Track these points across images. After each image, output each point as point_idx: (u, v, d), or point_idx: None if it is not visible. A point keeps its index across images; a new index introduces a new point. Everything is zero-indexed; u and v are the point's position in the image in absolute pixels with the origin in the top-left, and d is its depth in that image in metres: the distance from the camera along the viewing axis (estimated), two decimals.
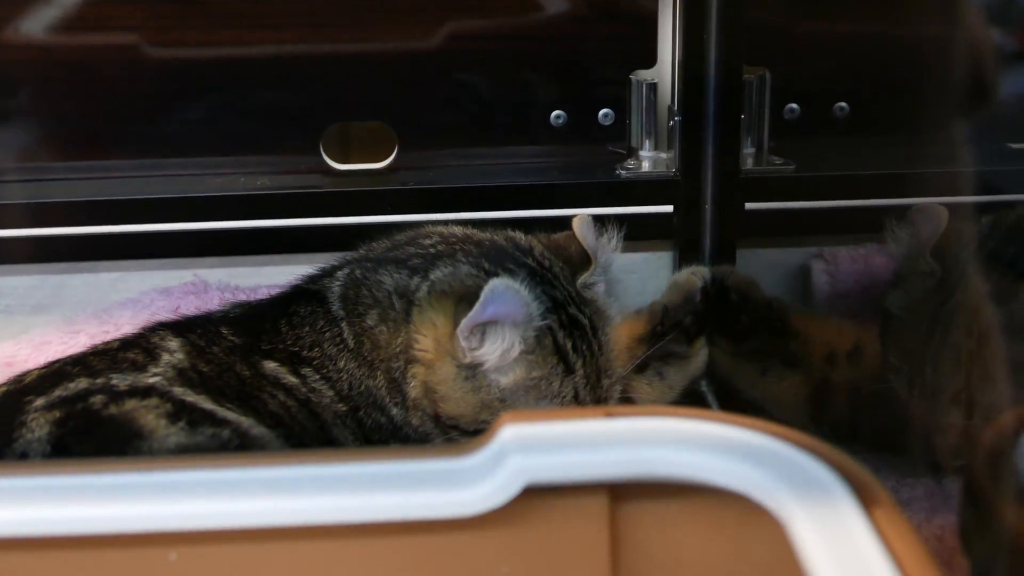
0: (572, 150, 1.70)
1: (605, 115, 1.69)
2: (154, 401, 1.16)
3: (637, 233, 1.51)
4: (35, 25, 1.61)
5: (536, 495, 0.81)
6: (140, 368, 1.22)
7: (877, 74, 1.70)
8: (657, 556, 0.84)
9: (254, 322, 1.34)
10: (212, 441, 1.13)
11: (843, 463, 0.79)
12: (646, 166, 1.68)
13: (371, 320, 1.31)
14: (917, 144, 1.65)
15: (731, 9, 1.58)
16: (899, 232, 1.37)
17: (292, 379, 1.28)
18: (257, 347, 1.30)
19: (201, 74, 1.66)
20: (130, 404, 1.15)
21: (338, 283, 1.35)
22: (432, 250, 1.34)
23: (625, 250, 1.41)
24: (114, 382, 1.19)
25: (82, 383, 1.19)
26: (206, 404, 1.19)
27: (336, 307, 1.33)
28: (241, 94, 1.69)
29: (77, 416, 1.14)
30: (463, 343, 1.24)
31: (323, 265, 1.42)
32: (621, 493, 0.83)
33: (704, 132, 1.62)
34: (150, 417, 1.14)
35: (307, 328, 1.32)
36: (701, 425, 0.83)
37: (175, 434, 1.13)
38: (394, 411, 1.29)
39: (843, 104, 1.70)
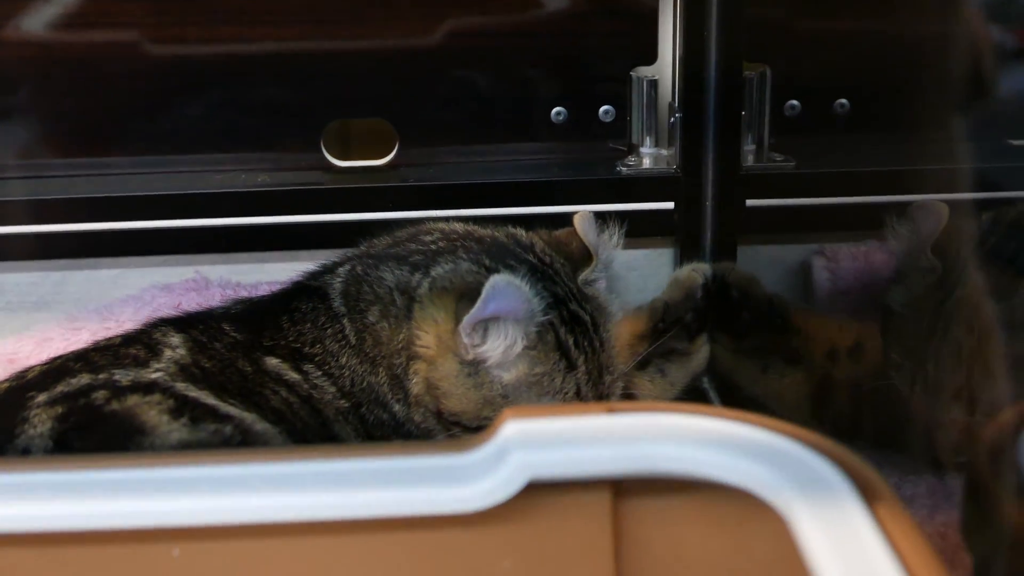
0: (573, 147, 1.70)
1: (606, 112, 1.69)
2: (156, 397, 1.16)
3: (638, 230, 1.51)
4: (36, 22, 1.61)
5: (539, 491, 0.81)
6: (142, 364, 1.22)
7: (878, 71, 1.70)
8: (659, 552, 0.84)
9: (256, 318, 1.34)
10: (214, 437, 1.13)
11: (846, 459, 0.79)
12: (647, 163, 1.68)
13: (373, 316, 1.31)
14: (918, 141, 1.65)
15: (731, 6, 1.58)
16: (900, 229, 1.37)
17: (294, 375, 1.28)
18: (259, 343, 1.30)
19: (202, 71, 1.66)
20: (132, 400, 1.15)
21: (339, 279, 1.35)
22: (433, 247, 1.34)
23: (626, 247, 1.41)
24: (116, 378, 1.19)
25: (84, 379, 1.19)
26: (208, 400, 1.19)
27: (338, 303, 1.33)
28: (242, 91, 1.69)
29: (79, 412, 1.14)
30: (465, 340, 1.24)
31: (324, 261, 1.42)
32: (624, 489, 0.83)
33: (705, 129, 1.62)
34: (152, 413, 1.14)
35: (309, 324, 1.32)
36: (703, 421, 0.83)
37: (177, 430, 1.13)
38: (396, 407, 1.29)
39: (843, 101, 1.70)
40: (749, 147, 1.67)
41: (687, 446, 0.81)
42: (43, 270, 1.63)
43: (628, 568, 0.84)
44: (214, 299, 1.56)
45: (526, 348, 1.24)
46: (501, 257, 1.31)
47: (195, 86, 1.67)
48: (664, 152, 1.68)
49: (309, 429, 1.24)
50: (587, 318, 1.31)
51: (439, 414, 1.26)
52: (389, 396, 1.29)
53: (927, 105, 1.53)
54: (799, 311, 1.55)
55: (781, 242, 1.68)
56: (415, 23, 1.66)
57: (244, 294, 1.55)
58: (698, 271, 1.56)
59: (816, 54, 1.71)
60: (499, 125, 1.72)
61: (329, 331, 1.31)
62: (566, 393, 1.27)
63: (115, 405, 1.15)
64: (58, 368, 1.23)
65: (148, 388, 1.17)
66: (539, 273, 1.30)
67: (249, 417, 1.18)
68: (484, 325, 1.23)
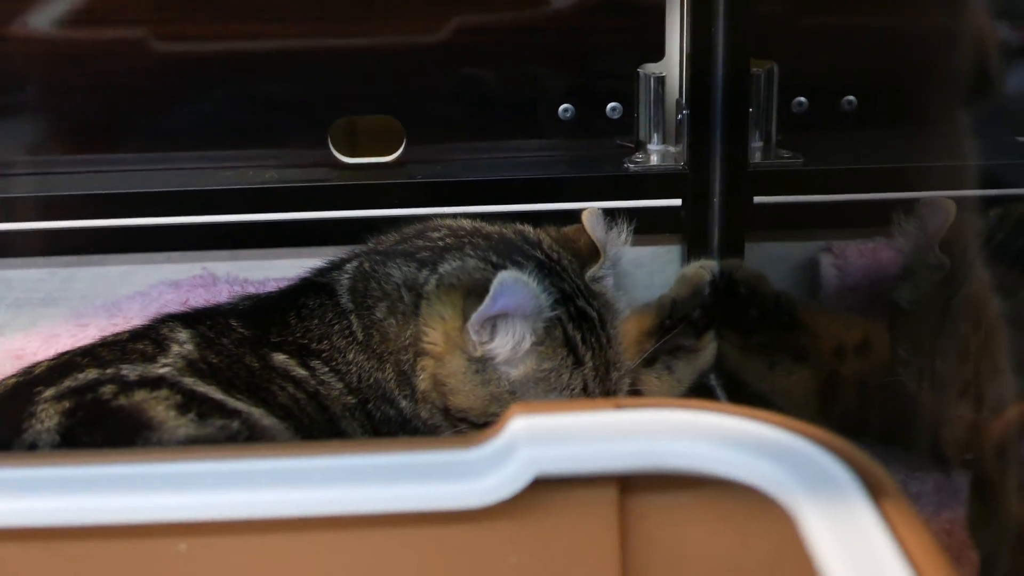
0: (580, 144, 1.70)
1: (613, 109, 1.69)
2: (164, 392, 1.16)
3: (645, 227, 1.50)
4: (42, 19, 1.61)
5: (545, 487, 0.81)
6: (150, 359, 1.22)
7: (885, 67, 1.70)
8: (666, 548, 0.84)
9: (263, 314, 1.34)
10: (221, 433, 1.13)
11: (853, 456, 0.79)
12: (654, 160, 1.68)
13: (380, 313, 1.31)
14: (925, 137, 1.64)
15: (739, 2, 1.58)
16: (907, 225, 1.37)
17: (301, 371, 1.28)
18: (266, 339, 1.30)
19: (208, 67, 1.66)
20: (140, 395, 1.15)
21: (347, 276, 1.35)
22: (441, 243, 1.34)
23: (633, 244, 1.41)
24: (124, 372, 1.19)
25: (92, 373, 1.19)
26: (216, 394, 1.19)
27: (345, 300, 1.33)
28: (249, 87, 1.69)
29: (86, 406, 1.14)
30: (474, 337, 1.24)
31: (332, 258, 1.42)
32: (630, 485, 0.83)
33: (712, 125, 1.61)
34: (160, 408, 1.14)
35: (316, 321, 1.32)
36: (710, 417, 0.83)
37: (185, 425, 1.13)
38: (403, 404, 1.29)
39: (851, 97, 1.70)
40: (756, 144, 1.67)
41: (694, 442, 0.81)
42: (50, 266, 1.63)
43: (634, 564, 0.84)
44: (221, 295, 1.56)
45: (534, 344, 1.24)
46: (508, 254, 1.31)
47: (202, 83, 1.67)
48: (671, 149, 1.68)
49: (316, 425, 1.25)
50: (594, 314, 1.31)
51: (446, 410, 1.26)
52: (396, 392, 1.29)
53: (934, 102, 1.53)
54: (806, 308, 1.55)
55: (788, 239, 1.68)
56: (422, 20, 1.66)
57: (251, 290, 1.55)
58: (705, 268, 1.56)
59: (823, 50, 1.71)
60: (506, 122, 1.72)
61: (336, 327, 1.31)
62: (573, 389, 1.27)
63: (122, 400, 1.15)
64: (65, 363, 1.23)
65: (156, 383, 1.18)
66: (546, 269, 1.30)
67: (257, 412, 1.19)
68: (492, 322, 1.23)
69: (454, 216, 1.43)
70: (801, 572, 0.74)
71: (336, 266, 1.39)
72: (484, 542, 0.83)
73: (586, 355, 1.28)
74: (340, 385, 1.29)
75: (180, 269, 1.64)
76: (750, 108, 1.62)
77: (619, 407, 0.85)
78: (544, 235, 1.38)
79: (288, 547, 0.84)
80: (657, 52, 1.67)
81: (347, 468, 0.82)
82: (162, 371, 1.21)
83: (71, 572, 0.84)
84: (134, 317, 1.51)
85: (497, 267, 1.28)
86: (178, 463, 0.83)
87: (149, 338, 1.27)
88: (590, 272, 1.36)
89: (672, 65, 1.67)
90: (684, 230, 1.65)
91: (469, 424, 1.25)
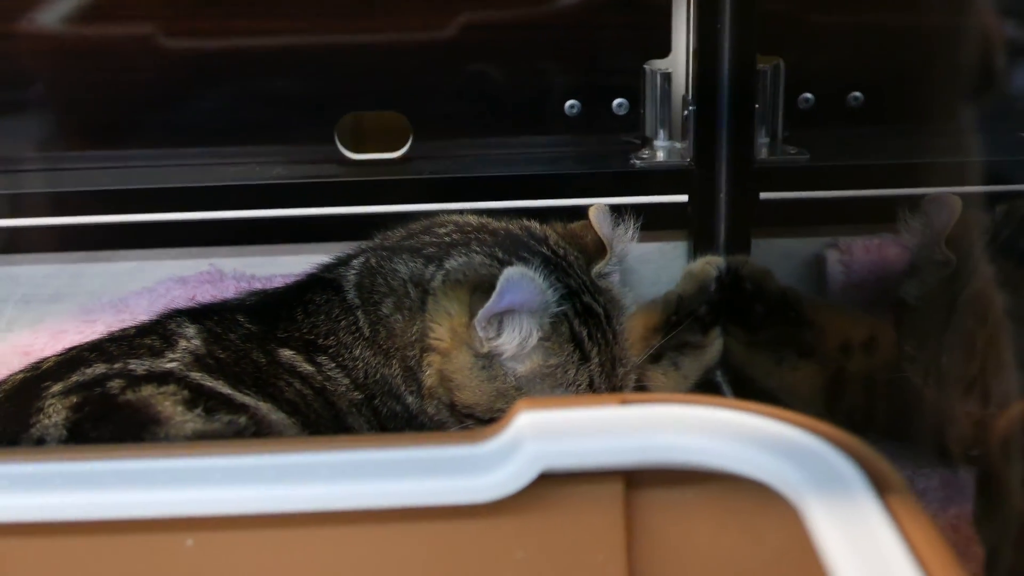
0: (586, 140, 1.70)
1: (619, 105, 1.69)
2: (171, 387, 1.16)
3: (651, 223, 1.51)
4: (50, 16, 1.62)
5: (551, 482, 0.81)
6: (157, 354, 1.22)
7: (891, 63, 1.70)
8: (672, 543, 0.84)
9: (270, 310, 1.34)
10: (229, 428, 1.13)
11: (860, 451, 0.79)
12: (660, 156, 1.68)
13: (386, 309, 1.31)
14: (931, 134, 1.64)
15: None
16: (913, 222, 1.37)
17: (308, 367, 1.28)
18: (273, 335, 1.30)
19: (216, 64, 1.67)
20: (147, 390, 1.16)
21: (353, 272, 1.36)
22: (447, 239, 1.34)
23: (639, 240, 1.41)
24: (131, 367, 1.20)
25: (99, 368, 1.20)
26: (223, 389, 1.19)
27: (352, 295, 1.33)
28: (256, 84, 1.69)
29: (94, 401, 1.15)
30: (480, 333, 1.24)
31: (339, 254, 1.42)
32: (636, 480, 0.83)
33: (718, 122, 1.61)
34: (167, 403, 1.14)
35: (323, 316, 1.32)
36: (716, 412, 0.83)
37: (192, 420, 1.13)
38: (409, 399, 1.29)
39: (857, 93, 1.69)
40: (763, 140, 1.67)
41: (700, 438, 0.81)
42: (58, 263, 1.63)
43: (640, 559, 0.84)
44: (228, 291, 1.56)
45: (540, 340, 1.25)
46: (515, 250, 1.31)
47: (209, 79, 1.67)
48: (678, 145, 1.68)
49: (323, 421, 1.25)
50: (600, 310, 1.31)
51: (452, 406, 1.27)
52: (402, 388, 1.29)
53: (941, 98, 1.53)
54: (813, 304, 1.55)
55: (795, 235, 1.68)
56: (429, 16, 1.66)
57: (258, 286, 1.56)
58: (712, 264, 1.56)
59: (830, 47, 1.71)
60: (512, 118, 1.72)
61: (343, 323, 1.32)
62: (579, 385, 1.27)
63: (130, 395, 1.15)
64: (73, 358, 1.23)
65: (163, 378, 1.18)
66: (552, 265, 1.30)
67: (264, 407, 1.19)
68: (499, 318, 1.23)
69: (460, 212, 1.43)
70: (807, 568, 0.75)
71: (342, 262, 1.39)
72: (490, 537, 0.83)
73: (592, 351, 1.28)
74: (347, 381, 1.29)
75: (187, 265, 1.64)
76: (756, 104, 1.62)
77: (625, 403, 0.85)
78: (550, 231, 1.38)
79: (294, 542, 0.84)
80: (663, 48, 1.67)
81: (354, 463, 0.82)
82: (170, 366, 1.21)
83: (78, 568, 0.84)
84: (142, 313, 1.51)
85: (503, 263, 1.28)
86: (185, 458, 0.83)
87: (156, 333, 1.27)
88: (596, 268, 1.36)
89: (678, 61, 1.67)
90: (690, 226, 1.65)
91: (475, 420, 1.25)
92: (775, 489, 0.79)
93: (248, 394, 1.20)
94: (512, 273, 1.20)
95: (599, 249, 1.37)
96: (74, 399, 1.15)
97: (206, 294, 1.57)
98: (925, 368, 1.33)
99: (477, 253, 1.31)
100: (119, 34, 1.64)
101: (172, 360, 1.22)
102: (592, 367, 1.28)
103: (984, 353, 1.26)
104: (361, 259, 1.37)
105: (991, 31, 1.53)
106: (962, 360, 1.28)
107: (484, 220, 1.39)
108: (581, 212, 1.39)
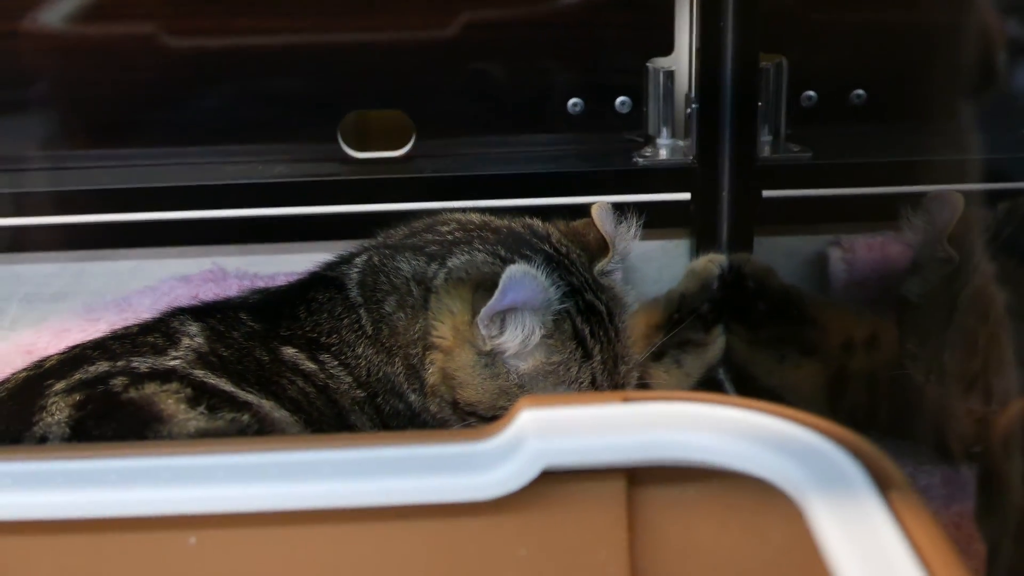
0: (589, 138, 1.70)
1: (622, 103, 1.69)
2: (174, 385, 1.16)
3: (654, 221, 1.50)
4: (53, 15, 1.62)
5: (554, 479, 0.81)
6: (160, 351, 1.22)
7: (894, 61, 1.70)
8: (674, 540, 0.84)
9: (273, 308, 1.34)
10: (231, 426, 1.13)
11: (862, 448, 0.79)
12: (663, 154, 1.68)
13: (389, 307, 1.31)
14: (934, 131, 1.64)
15: None
16: (915, 219, 1.37)
17: (310, 365, 1.28)
18: (276, 333, 1.30)
19: (219, 63, 1.67)
20: (150, 388, 1.16)
21: (356, 270, 1.36)
22: (450, 237, 1.34)
23: (642, 238, 1.41)
24: (134, 365, 1.20)
25: (102, 366, 1.20)
26: (226, 387, 1.19)
27: (354, 294, 1.33)
28: (258, 82, 1.69)
29: (97, 399, 1.15)
30: (483, 331, 1.24)
31: (341, 252, 1.42)
32: (638, 477, 0.83)
33: (721, 120, 1.61)
34: (170, 401, 1.14)
35: (325, 314, 1.32)
36: (718, 410, 0.83)
37: (195, 418, 1.13)
38: (412, 397, 1.29)
39: (860, 91, 1.69)
40: (765, 138, 1.67)
41: (702, 434, 0.81)
42: (61, 261, 1.64)
43: (643, 556, 0.84)
44: (231, 290, 1.56)
45: (543, 338, 1.25)
46: (517, 248, 1.31)
47: (212, 78, 1.67)
48: (680, 143, 1.68)
49: (325, 418, 1.25)
50: (603, 308, 1.31)
51: (455, 404, 1.27)
52: (405, 386, 1.29)
53: (943, 96, 1.53)
54: (815, 302, 1.56)
55: (797, 233, 1.68)
56: (432, 15, 1.66)
57: (261, 285, 1.56)
58: (714, 262, 1.56)
59: (832, 45, 1.71)
60: (515, 116, 1.72)
61: (346, 321, 1.32)
62: (582, 382, 1.27)
63: (133, 393, 1.15)
64: (76, 356, 1.24)
65: (166, 376, 1.18)
66: (555, 263, 1.30)
67: (267, 405, 1.19)
68: (501, 316, 1.23)
69: (463, 210, 1.43)
70: (809, 565, 0.75)
71: (345, 260, 1.39)
72: (493, 534, 0.83)
73: (595, 348, 1.28)
74: (349, 379, 1.29)
75: (190, 264, 1.64)
76: (759, 102, 1.63)
77: (627, 400, 0.85)
78: (553, 229, 1.38)
79: (297, 540, 0.84)
80: (666, 46, 1.67)
81: (356, 461, 0.82)
82: (172, 364, 1.21)
83: (81, 566, 0.85)
84: (144, 312, 1.51)
85: (506, 261, 1.28)
86: (188, 456, 0.83)
87: (160, 331, 1.27)
88: (599, 266, 1.36)
89: (681, 59, 1.67)
90: (693, 224, 1.65)
91: (478, 417, 1.25)
92: (777, 486, 0.79)
93: (251, 392, 1.20)
94: (515, 271, 1.20)
95: (601, 247, 1.37)
96: (77, 397, 1.15)
97: (209, 293, 1.57)
98: (927, 366, 1.33)
99: (480, 251, 1.31)
100: (121, 33, 1.64)
101: (175, 358, 1.22)
102: (594, 365, 1.28)
103: (986, 351, 1.26)
104: (364, 257, 1.37)
105: (993, 29, 1.53)
106: (964, 358, 1.28)
107: (487, 218, 1.39)
108: (584, 210, 1.39)
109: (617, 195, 1.56)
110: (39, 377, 1.20)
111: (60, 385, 1.17)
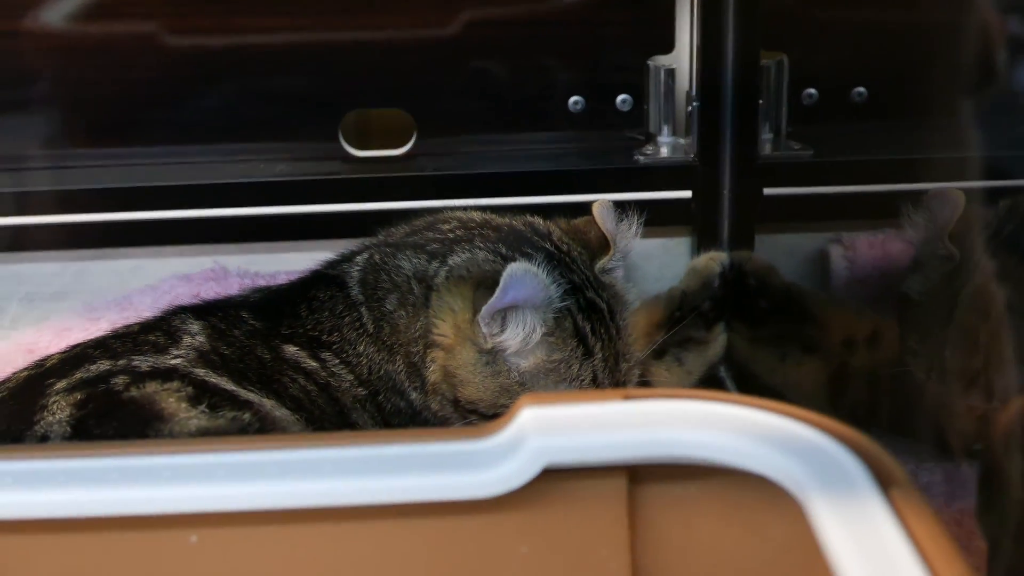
0: (590, 136, 1.70)
1: (623, 101, 1.69)
2: (175, 384, 1.16)
3: (655, 219, 1.50)
4: (54, 14, 1.62)
5: (555, 477, 0.81)
6: (161, 350, 1.22)
7: (895, 59, 1.70)
8: (676, 537, 0.84)
9: (274, 306, 1.34)
10: (233, 424, 1.13)
11: (863, 446, 0.79)
12: (664, 152, 1.68)
13: (390, 305, 1.31)
14: (935, 129, 1.64)
15: None
16: (917, 217, 1.37)
17: (312, 363, 1.28)
18: (277, 331, 1.30)
19: (219, 61, 1.67)
20: (151, 386, 1.16)
21: (357, 268, 1.36)
22: (451, 235, 1.34)
23: (643, 236, 1.41)
24: (135, 364, 1.20)
25: (104, 365, 1.20)
26: (227, 386, 1.19)
27: (355, 292, 1.33)
28: (260, 81, 1.69)
29: (98, 398, 1.15)
30: (484, 329, 1.24)
31: (343, 250, 1.42)
32: (639, 475, 0.83)
33: (722, 118, 1.61)
34: (171, 400, 1.14)
35: (327, 313, 1.32)
36: (719, 407, 0.83)
37: (196, 417, 1.13)
38: (413, 395, 1.29)
39: (861, 89, 1.69)
40: (766, 136, 1.67)
41: (703, 432, 0.81)
42: (62, 260, 1.64)
43: (644, 553, 0.84)
44: (233, 289, 1.56)
45: (544, 335, 1.24)
46: (518, 245, 1.31)
47: (213, 76, 1.67)
48: (681, 141, 1.68)
49: (327, 417, 1.25)
50: (604, 306, 1.31)
51: (456, 402, 1.27)
52: (406, 384, 1.29)
53: (944, 93, 1.53)
54: (816, 299, 1.56)
55: (798, 231, 1.68)
56: (433, 13, 1.66)
57: (263, 283, 1.56)
58: (715, 260, 1.56)
59: (833, 42, 1.71)
60: (516, 114, 1.72)
61: (347, 319, 1.32)
62: (583, 380, 1.27)
63: (134, 392, 1.15)
64: (77, 355, 1.24)
65: (167, 375, 1.18)
66: (556, 261, 1.30)
67: (268, 403, 1.19)
68: (502, 314, 1.23)
69: (464, 208, 1.43)
70: (811, 563, 0.75)
71: (346, 258, 1.39)
72: (494, 532, 0.83)
73: (596, 346, 1.28)
74: (351, 377, 1.29)
75: (191, 263, 1.64)
76: (760, 100, 1.63)
77: (628, 398, 0.85)
78: (554, 227, 1.38)
79: (298, 539, 0.84)
80: (667, 44, 1.67)
81: (358, 459, 0.82)
82: (174, 362, 1.21)
83: (82, 564, 0.85)
84: (146, 311, 1.51)
85: (507, 259, 1.28)
86: (189, 455, 0.83)
87: (161, 329, 1.27)
88: (600, 264, 1.36)
89: (682, 57, 1.67)
90: (694, 222, 1.65)
91: (479, 415, 1.26)
92: (779, 484, 0.79)
93: (252, 390, 1.20)
94: (516, 269, 1.20)
95: (603, 245, 1.37)
96: (78, 396, 1.15)
97: (210, 291, 1.57)
98: (928, 363, 1.33)
99: (481, 249, 1.31)
100: (122, 32, 1.64)
101: (176, 356, 1.22)
102: (595, 362, 1.28)
103: (987, 348, 1.26)
104: (365, 255, 1.37)
105: (993, 27, 1.53)
106: (965, 355, 1.28)
107: (488, 216, 1.39)
108: (585, 208, 1.39)
109: (618, 193, 1.56)
110: (40, 376, 1.20)
111: (61, 384, 1.17)
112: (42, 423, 1.13)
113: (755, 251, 1.62)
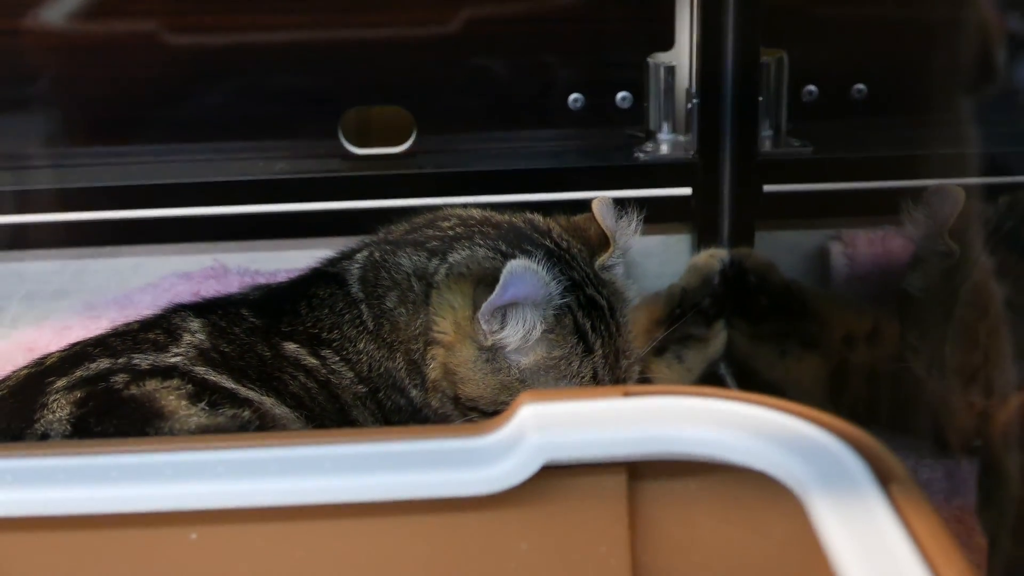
0: (590, 133, 1.70)
1: (623, 98, 1.69)
2: (175, 382, 1.16)
3: (655, 216, 1.50)
4: (55, 12, 1.62)
5: (555, 473, 0.81)
6: (161, 348, 1.22)
7: (895, 56, 1.70)
8: (675, 533, 0.84)
9: (274, 304, 1.34)
10: (233, 422, 1.13)
11: (863, 442, 0.79)
12: (664, 149, 1.68)
13: (390, 302, 1.31)
14: (935, 125, 1.64)
15: None
16: (916, 213, 1.37)
17: (312, 361, 1.28)
18: (277, 329, 1.30)
19: (220, 59, 1.67)
20: (151, 384, 1.16)
21: (357, 265, 1.36)
22: (451, 232, 1.34)
23: (643, 233, 1.41)
24: (135, 362, 1.20)
25: (103, 363, 1.19)
26: (227, 384, 1.19)
27: (355, 289, 1.33)
28: (260, 79, 1.69)
29: (98, 396, 1.14)
30: (484, 326, 1.24)
31: (342, 248, 1.42)
32: (639, 471, 0.83)
33: (722, 115, 1.62)
34: (171, 398, 1.14)
35: (327, 310, 1.32)
36: (720, 404, 0.83)
37: (196, 415, 1.13)
38: (413, 392, 1.29)
39: (861, 86, 1.69)
40: (766, 133, 1.67)
41: (703, 429, 0.81)
42: (62, 258, 1.64)
43: (643, 550, 0.84)
44: (233, 287, 1.56)
45: (544, 332, 1.24)
46: (518, 243, 1.31)
47: (213, 74, 1.67)
48: (681, 138, 1.68)
49: (327, 414, 1.25)
50: (604, 303, 1.31)
51: (456, 399, 1.27)
52: (406, 381, 1.29)
53: (943, 90, 1.53)
54: (816, 296, 1.56)
55: (798, 227, 1.68)
56: (433, 11, 1.66)
57: (263, 281, 1.56)
58: (715, 257, 1.56)
59: (833, 39, 1.71)
60: (516, 112, 1.72)
61: (347, 317, 1.32)
62: (583, 377, 1.27)
63: (134, 389, 1.15)
64: (77, 353, 1.23)
65: (167, 372, 1.18)
66: (556, 258, 1.30)
67: (268, 401, 1.19)
68: (502, 311, 1.23)
69: (464, 206, 1.43)
70: (811, 559, 0.75)
71: (346, 256, 1.39)
72: (494, 528, 0.83)
73: (596, 343, 1.28)
74: (351, 374, 1.29)
75: (191, 261, 1.64)
76: (760, 97, 1.63)
77: (628, 395, 0.85)
78: (554, 224, 1.38)
79: (298, 535, 0.84)
80: (667, 41, 1.67)
81: (358, 456, 0.82)
82: (174, 360, 1.21)
83: (82, 562, 0.85)
84: (146, 309, 1.50)
85: (507, 256, 1.28)
86: (189, 452, 0.83)
87: (161, 327, 1.27)
88: (600, 261, 1.36)
89: (682, 54, 1.67)
90: (694, 219, 1.65)
91: (479, 412, 1.25)
92: (779, 480, 0.79)
93: (252, 388, 1.20)
94: (516, 266, 1.20)
95: (602, 242, 1.36)
96: (78, 394, 1.15)
97: (210, 289, 1.57)
98: (928, 359, 1.33)
99: (480, 246, 1.31)
100: (123, 30, 1.64)
101: (176, 354, 1.22)
102: (596, 359, 1.28)
103: (987, 344, 1.26)
104: (365, 253, 1.37)
105: (992, 24, 1.53)
106: (965, 351, 1.28)
107: (487, 213, 1.38)
108: (585, 205, 1.39)
109: (618, 190, 1.56)
110: (40, 374, 1.20)
111: (61, 382, 1.17)
112: (42, 421, 1.13)
113: (755, 248, 1.62)
